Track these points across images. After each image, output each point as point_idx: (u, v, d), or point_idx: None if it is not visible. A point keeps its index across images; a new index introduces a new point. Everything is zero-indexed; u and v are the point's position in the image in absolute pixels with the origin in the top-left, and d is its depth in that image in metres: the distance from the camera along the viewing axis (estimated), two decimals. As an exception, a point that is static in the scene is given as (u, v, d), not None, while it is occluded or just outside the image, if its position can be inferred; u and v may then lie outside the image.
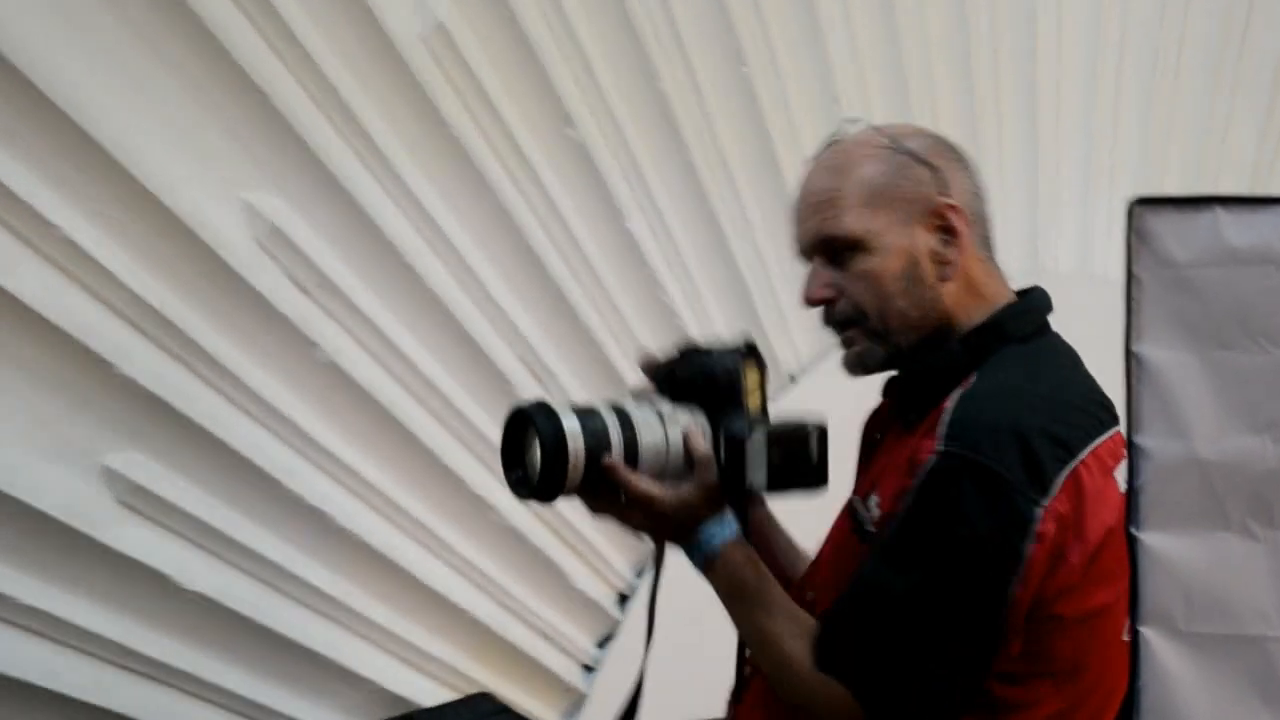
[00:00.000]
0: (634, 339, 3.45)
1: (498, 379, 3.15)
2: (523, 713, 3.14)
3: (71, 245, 2.36)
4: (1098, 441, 1.84)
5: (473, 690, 3.11)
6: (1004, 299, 1.96)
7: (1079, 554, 1.81)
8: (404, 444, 2.98)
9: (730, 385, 1.93)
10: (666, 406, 1.92)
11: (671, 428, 1.89)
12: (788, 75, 3.68)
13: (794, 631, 1.87)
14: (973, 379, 1.87)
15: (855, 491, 2.01)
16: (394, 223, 2.87)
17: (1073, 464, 1.80)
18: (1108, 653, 1.89)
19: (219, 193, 2.58)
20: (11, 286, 2.28)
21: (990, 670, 1.82)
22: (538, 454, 1.80)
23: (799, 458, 1.93)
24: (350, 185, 2.77)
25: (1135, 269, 3.48)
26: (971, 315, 1.93)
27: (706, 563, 1.91)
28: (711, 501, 1.90)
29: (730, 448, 1.91)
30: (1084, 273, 4.45)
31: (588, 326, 3.33)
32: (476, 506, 3.12)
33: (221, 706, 2.70)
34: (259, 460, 2.70)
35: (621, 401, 1.90)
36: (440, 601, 3.09)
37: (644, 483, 1.86)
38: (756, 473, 1.91)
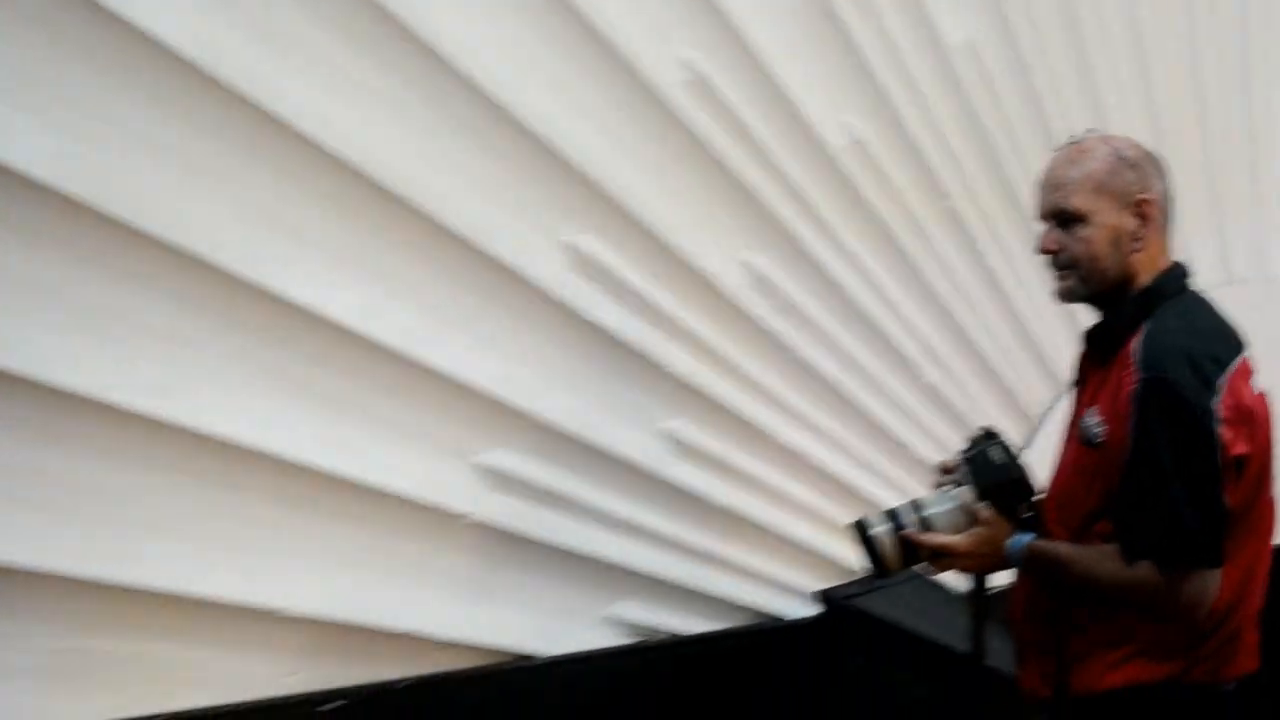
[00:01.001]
0: (995, 336, 3.25)
1: (904, 363, 3.03)
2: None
3: (637, 295, 2.37)
4: (1238, 359, 1.70)
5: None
6: (1165, 266, 1.81)
7: (1245, 435, 1.67)
8: (846, 407, 2.89)
9: (982, 459, 1.84)
10: (953, 489, 1.85)
11: (954, 498, 1.83)
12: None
13: (1102, 558, 1.72)
14: (1145, 326, 1.72)
15: (1077, 413, 1.86)
16: (836, 268, 2.78)
17: (1226, 373, 1.66)
18: (1260, 499, 1.74)
19: (724, 254, 2.55)
20: (600, 319, 2.31)
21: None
22: (865, 551, 1.83)
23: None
24: (808, 247, 2.70)
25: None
26: (1145, 277, 1.78)
27: (1023, 564, 1.80)
28: (1000, 527, 1.81)
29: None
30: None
31: (963, 326, 3.16)
32: (897, 445, 3.04)
33: (733, 574, 2.67)
34: (758, 421, 2.66)
35: (921, 496, 1.86)
36: (865, 501, 2.94)
37: (938, 537, 1.81)
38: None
